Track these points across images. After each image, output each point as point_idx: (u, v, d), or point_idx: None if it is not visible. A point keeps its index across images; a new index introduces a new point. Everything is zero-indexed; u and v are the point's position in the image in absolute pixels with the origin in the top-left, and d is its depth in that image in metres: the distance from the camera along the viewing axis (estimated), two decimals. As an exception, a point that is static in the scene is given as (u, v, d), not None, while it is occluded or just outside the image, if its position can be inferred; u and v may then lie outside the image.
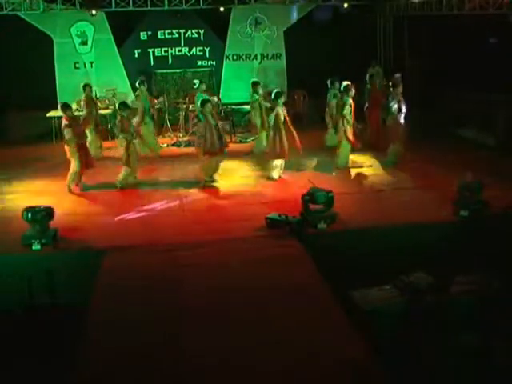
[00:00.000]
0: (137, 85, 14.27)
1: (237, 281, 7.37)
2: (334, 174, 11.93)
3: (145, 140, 12.78)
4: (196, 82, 14.73)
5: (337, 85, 13.41)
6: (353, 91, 12.02)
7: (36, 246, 8.37)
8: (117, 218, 9.74)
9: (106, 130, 15.12)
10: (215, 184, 11.43)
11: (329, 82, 14.01)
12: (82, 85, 14.15)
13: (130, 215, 9.90)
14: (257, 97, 13.60)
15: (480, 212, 9.13)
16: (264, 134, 12.95)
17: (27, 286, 7.84)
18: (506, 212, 9.12)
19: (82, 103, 14.18)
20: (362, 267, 7.66)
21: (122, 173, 11.32)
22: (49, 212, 8.64)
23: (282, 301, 6.81)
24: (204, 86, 14.51)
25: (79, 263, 8.17)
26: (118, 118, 11.43)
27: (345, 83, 12.22)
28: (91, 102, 14.01)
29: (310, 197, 9.16)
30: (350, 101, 11.97)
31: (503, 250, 8.05)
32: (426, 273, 7.76)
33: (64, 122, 11.10)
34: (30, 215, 8.46)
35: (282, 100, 11.59)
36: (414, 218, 9.29)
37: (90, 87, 14.24)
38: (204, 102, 11.35)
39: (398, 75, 13.26)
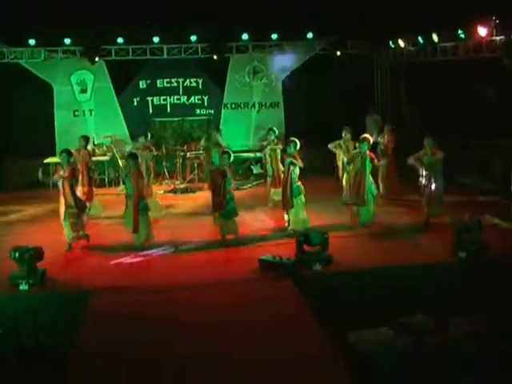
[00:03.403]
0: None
1: (231, 322, 7.14)
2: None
3: None
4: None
5: (348, 135, 13.01)
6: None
7: (23, 286, 8.18)
8: (112, 262, 9.45)
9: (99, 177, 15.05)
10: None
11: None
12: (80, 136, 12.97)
13: (124, 259, 9.65)
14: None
15: (479, 253, 8.96)
16: None
17: (13, 327, 7.61)
18: (505, 253, 8.94)
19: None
20: (358, 309, 7.44)
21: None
22: (37, 252, 8.45)
23: (275, 343, 6.56)
24: (218, 137, 14.30)
25: (66, 304, 7.89)
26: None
27: (363, 136, 11.19)
28: (80, 155, 12.19)
29: (305, 238, 9.00)
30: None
31: (502, 291, 7.84)
32: (424, 314, 7.55)
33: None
34: (17, 255, 8.28)
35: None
36: (412, 259, 9.14)
37: (87, 139, 12.91)
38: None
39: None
